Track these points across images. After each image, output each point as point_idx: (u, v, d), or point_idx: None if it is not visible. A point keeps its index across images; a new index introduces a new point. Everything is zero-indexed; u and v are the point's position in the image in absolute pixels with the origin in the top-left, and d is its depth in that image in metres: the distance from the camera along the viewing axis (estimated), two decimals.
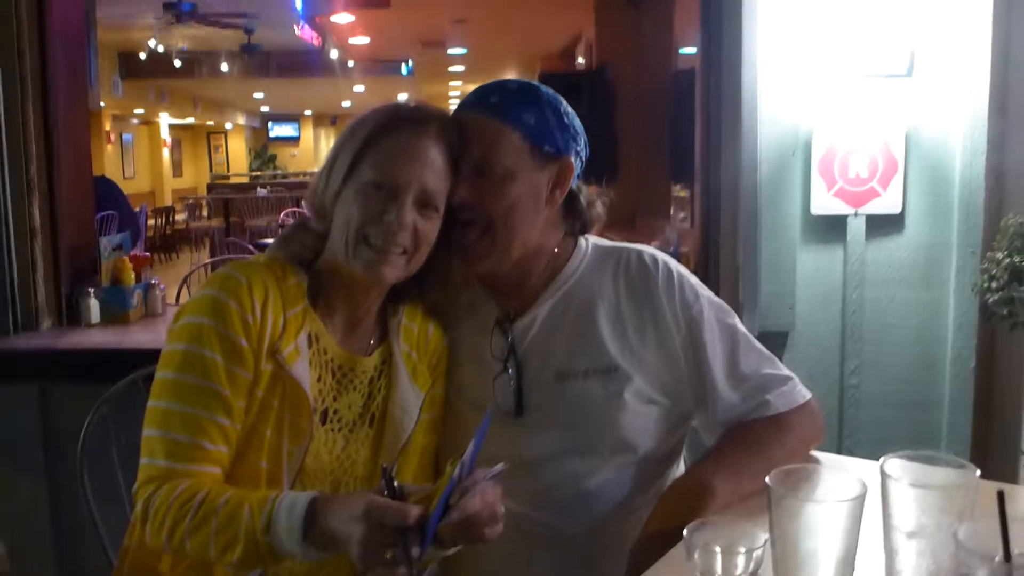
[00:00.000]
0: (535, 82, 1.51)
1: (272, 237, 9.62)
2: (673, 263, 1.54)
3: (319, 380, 1.37)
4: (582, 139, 1.51)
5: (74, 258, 2.72)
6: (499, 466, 1.19)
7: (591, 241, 1.58)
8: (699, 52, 2.67)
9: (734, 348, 1.49)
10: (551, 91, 1.49)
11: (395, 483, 1.20)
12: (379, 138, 1.33)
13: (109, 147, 15.91)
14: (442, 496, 1.13)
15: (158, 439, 1.26)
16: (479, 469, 1.18)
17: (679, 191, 4.89)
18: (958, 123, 2.42)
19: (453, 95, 18.65)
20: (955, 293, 2.48)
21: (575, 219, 1.55)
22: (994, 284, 2.21)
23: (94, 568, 2.39)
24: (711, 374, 1.47)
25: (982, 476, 1.02)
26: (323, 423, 1.37)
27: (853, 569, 1.00)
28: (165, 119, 19.57)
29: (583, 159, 1.52)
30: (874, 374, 2.53)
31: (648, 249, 1.56)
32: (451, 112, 1.47)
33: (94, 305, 2.68)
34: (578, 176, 1.53)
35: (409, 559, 1.11)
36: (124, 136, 17.30)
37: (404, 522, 1.11)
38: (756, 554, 1.05)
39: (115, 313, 2.72)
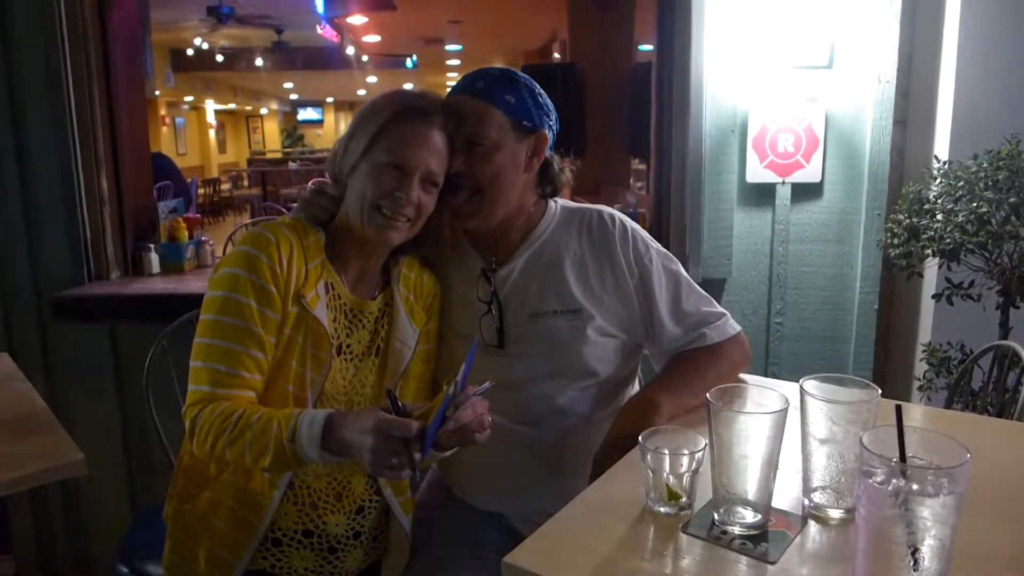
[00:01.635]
0: (513, 69, 1.49)
1: None
2: (628, 220, 1.53)
3: (335, 320, 1.37)
4: (554, 115, 1.49)
5: (136, 220, 2.69)
6: (486, 384, 1.20)
7: (560, 203, 1.57)
8: (655, 48, 2.62)
9: (677, 290, 1.49)
10: (527, 76, 1.47)
11: (399, 402, 1.21)
12: (394, 125, 1.32)
13: (164, 129, 15.64)
14: (439, 410, 1.14)
15: (203, 369, 1.26)
16: (470, 386, 1.18)
17: (637, 163, 4.86)
18: (869, 107, 2.40)
19: (450, 85, 18.33)
20: (863, 248, 2.48)
21: (547, 184, 1.54)
22: (895, 241, 2.21)
23: (158, 470, 2.40)
24: (658, 312, 1.47)
25: (882, 397, 1.03)
26: (338, 355, 1.37)
27: (776, 469, 1.01)
28: (211, 105, 19.19)
29: (555, 132, 1.50)
30: (795, 314, 2.54)
31: (607, 209, 1.55)
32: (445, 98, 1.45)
33: (154, 258, 2.66)
34: (551, 147, 1.51)
35: (412, 463, 1.13)
36: (177, 120, 16.96)
37: (408, 433, 1.12)
38: (698, 456, 1.07)
39: (172, 265, 2.70)
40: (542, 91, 1.48)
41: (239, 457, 1.20)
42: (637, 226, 1.53)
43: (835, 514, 1.04)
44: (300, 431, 1.17)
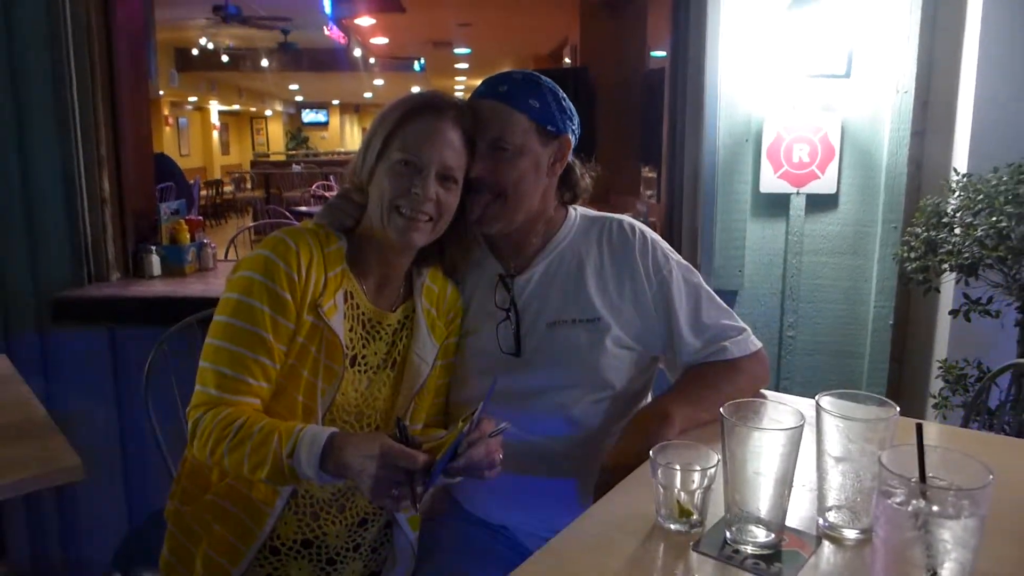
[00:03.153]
0: (536, 72, 1.49)
1: (305, 206, 9.57)
2: (648, 231, 1.53)
3: (351, 330, 1.36)
4: (576, 120, 1.49)
5: (138, 221, 2.69)
6: (503, 424, 1.21)
7: (579, 211, 1.57)
8: (668, 55, 2.63)
9: (698, 302, 1.49)
10: (550, 80, 1.47)
11: (408, 432, 1.21)
12: (405, 123, 1.32)
13: (167, 129, 15.71)
14: (451, 446, 1.14)
15: (210, 371, 1.26)
16: (486, 423, 1.18)
17: (647, 172, 4.85)
18: (887, 117, 2.40)
19: (458, 89, 18.41)
20: (879, 262, 2.47)
21: (568, 190, 1.54)
22: (912, 254, 2.20)
23: (157, 477, 2.40)
24: (677, 324, 1.47)
25: None
26: (352, 366, 1.36)
27: (791, 487, 1.01)
28: (215, 106, 19.29)
29: (577, 137, 1.50)
30: (808, 328, 2.53)
31: (627, 218, 1.55)
32: (465, 100, 1.45)
33: (155, 260, 2.66)
34: (573, 151, 1.51)
35: (414, 496, 1.12)
36: (180, 120, 17.06)
37: (413, 465, 1.11)
38: (710, 472, 1.06)
39: (173, 267, 2.70)
40: (564, 95, 1.48)
41: (238, 465, 1.20)
42: (658, 236, 1.53)
43: (850, 534, 1.03)
44: (300, 448, 1.17)
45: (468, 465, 1.16)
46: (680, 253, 1.56)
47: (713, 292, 1.53)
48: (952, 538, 0.76)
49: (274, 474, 1.19)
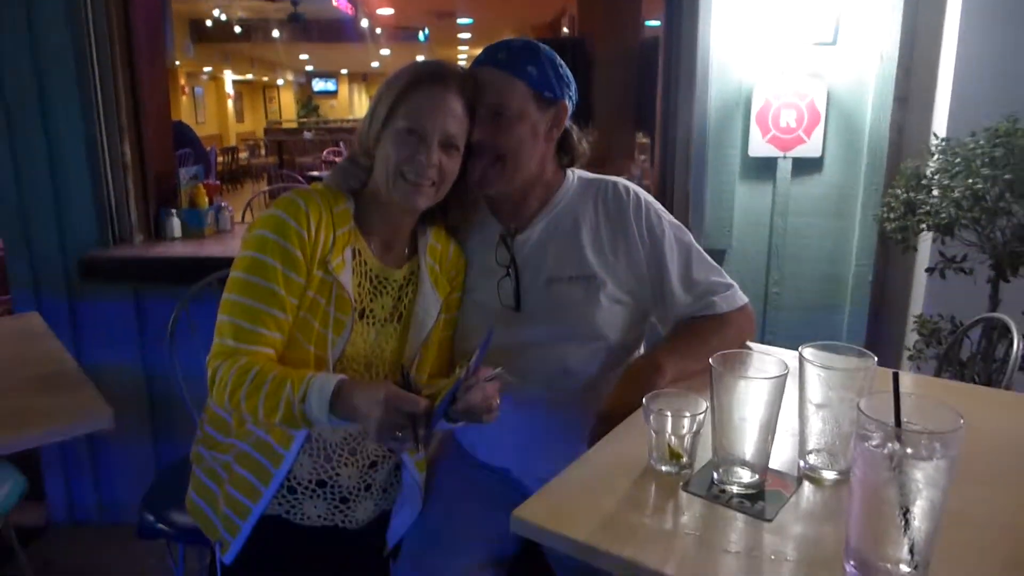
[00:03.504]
0: (534, 40, 1.46)
1: (316, 171, 9.51)
2: (642, 192, 1.52)
3: (359, 285, 1.37)
4: (573, 86, 1.48)
5: (159, 186, 2.68)
6: (497, 369, 1.21)
7: (576, 173, 1.56)
8: (663, 23, 2.58)
9: (688, 259, 1.49)
10: (548, 47, 1.45)
11: (412, 380, 1.23)
12: (410, 93, 1.31)
13: (184, 98, 15.52)
14: (449, 391, 1.15)
15: (227, 323, 1.27)
16: (482, 370, 1.19)
17: (642, 138, 4.81)
18: (871, 84, 2.37)
19: (461, 58, 18.14)
20: (860, 223, 2.46)
21: (566, 154, 1.53)
22: (892, 215, 2.19)
23: (181, 425, 2.43)
24: (669, 280, 1.47)
25: None
26: (360, 319, 1.37)
27: (774, 432, 1.02)
28: (229, 76, 19.05)
29: (574, 103, 1.49)
30: (792, 284, 2.53)
31: (622, 180, 1.54)
32: (467, 69, 1.42)
33: (176, 223, 2.66)
34: (571, 117, 1.50)
35: (417, 438, 1.13)
36: (196, 89, 16.85)
37: (416, 409, 1.13)
38: (699, 418, 1.07)
39: (192, 229, 2.70)
40: (562, 63, 1.46)
41: (254, 410, 1.22)
42: (650, 197, 1.52)
43: (829, 476, 1.05)
44: (311, 394, 1.18)
45: (466, 409, 1.17)
46: (672, 213, 1.55)
47: (703, 250, 1.53)
48: (924, 478, 0.77)
49: (287, 418, 1.20)
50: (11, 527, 2.05)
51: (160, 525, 1.67)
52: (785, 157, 2.41)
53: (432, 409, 1.15)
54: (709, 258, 1.53)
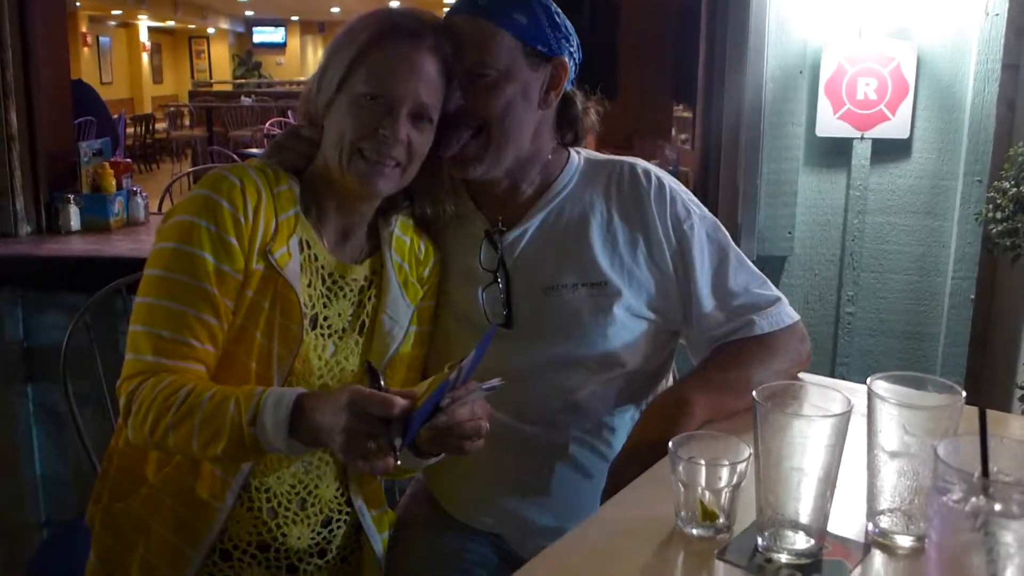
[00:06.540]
0: None
1: (257, 147, 9.51)
2: (666, 176, 1.54)
3: (309, 285, 1.39)
4: (575, 40, 1.50)
5: (53, 164, 2.70)
6: (495, 381, 1.21)
7: (583, 154, 1.58)
8: None
9: (723, 265, 1.51)
10: None
11: (381, 380, 1.24)
12: (374, 49, 1.33)
13: (86, 50, 15.61)
14: (433, 395, 1.16)
15: (144, 334, 1.28)
16: (474, 380, 1.20)
17: (681, 111, 4.85)
18: (973, 46, 2.39)
19: (447, 6, 18.24)
20: (958, 223, 2.48)
21: (568, 127, 1.56)
22: (999, 214, 2.22)
23: (77, 472, 2.44)
24: (697, 290, 1.48)
25: (977, 407, 1.04)
26: (312, 328, 1.39)
27: (834, 486, 1.03)
28: (144, 22, 19.14)
29: (576, 61, 1.51)
30: (871, 302, 2.56)
31: (640, 162, 1.56)
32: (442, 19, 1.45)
33: (74, 212, 2.68)
34: (571, 82, 1.52)
35: (393, 449, 1.14)
36: (101, 39, 16.94)
37: (388, 412, 1.14)
38: (740, 467, 1.09)
39: (96, 221, 2.72)
40: (559, 9, 1.48)
41: (185, 442, 1.23)
42: (677, 183, 1.55)
43: (905, 542, 1.07)
44: (264, 413, 1.20)
45: (448, 428, 1.18)
46: (717, 210, 1.58)
47: (742, 253, 1.55)
48: (1016, 541, 0.79)
49: (232, 448, 1.21)
50: None
51: None
52: (863, 138, 2.45)
53: (410, 414, 1.15)
54: (750, 263, 1.55)
